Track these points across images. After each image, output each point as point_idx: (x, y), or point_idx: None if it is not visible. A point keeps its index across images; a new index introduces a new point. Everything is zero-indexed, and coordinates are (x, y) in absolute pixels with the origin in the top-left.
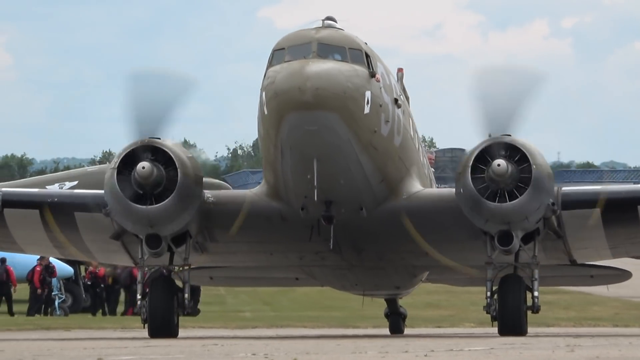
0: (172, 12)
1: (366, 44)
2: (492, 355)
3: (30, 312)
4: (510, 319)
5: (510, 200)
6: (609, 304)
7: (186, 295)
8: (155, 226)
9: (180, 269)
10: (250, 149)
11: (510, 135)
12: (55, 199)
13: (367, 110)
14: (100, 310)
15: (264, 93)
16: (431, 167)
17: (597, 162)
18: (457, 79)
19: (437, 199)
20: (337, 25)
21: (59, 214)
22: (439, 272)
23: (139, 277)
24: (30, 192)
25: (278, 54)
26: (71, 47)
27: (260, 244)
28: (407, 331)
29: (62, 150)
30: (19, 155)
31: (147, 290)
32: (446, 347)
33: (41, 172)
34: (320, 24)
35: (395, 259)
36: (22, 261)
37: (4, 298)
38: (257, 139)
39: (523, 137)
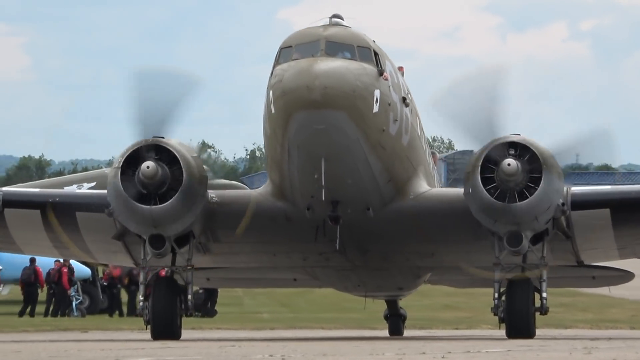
0: (190, 14)
1: (374, 41)
2: (510, 358)
3: (56, 313)
4: (518, 321)
5: (520, 201)
6: (626, 306)
7: (189, 297)
8: (159, 226)
9: (183, 269)
10: None
11: (519, 134)
12: (57, 199)
13: (375, 109)
14: (117, 312)
15: (271, 91)
16: (435, 166)
17: (615, 165)
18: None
19: (445, 199)
20: (345, 23)
21: (60, 214)
22: (440, 273)
23: (141, 278)
24: (31, 192)
25: (285, 52)
26: (90, 49)
27: (264, 244)
28: (424, 333)
29: (80, 151)
30: (37, 157)
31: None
32: (463, 349)
33: (59, 173)
34: (327, 21)
35: (400, 260)
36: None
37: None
38: None
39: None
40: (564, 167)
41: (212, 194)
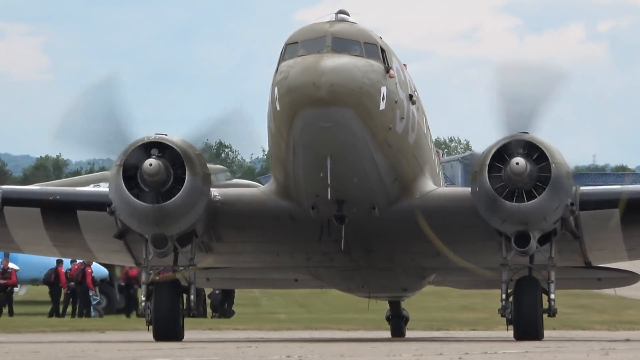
0: (209, 14)
1: (381, 38)
2: (527, 359)
3: (80, 314)
4: (526, 322)
5: (528, 200)
6: None
7: (192, 297)
8: (162, 225)
9: (185, 269)
10: None
11: (527, 133)
12: (58, 197)
13: (382, 106)
14: (135, 312)
15: (276, 88)
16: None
17: (632, 166)
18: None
19: (452, 198)
20: (351, 19)
21: (61, 212)
22: (444, 274)
23: (142, 278)
24: (31, 189)
25: (291, 48)
26: (108, 49)
27: (268, 244)
28: (441, 334)
29: (97, 151)
30: (55, 157)
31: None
32: (481, 349)
33: (76, 173)
34: (333, 17)
35: (405, 260)
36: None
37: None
38: None
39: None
40: (575, 167)
41: (215, 192)
